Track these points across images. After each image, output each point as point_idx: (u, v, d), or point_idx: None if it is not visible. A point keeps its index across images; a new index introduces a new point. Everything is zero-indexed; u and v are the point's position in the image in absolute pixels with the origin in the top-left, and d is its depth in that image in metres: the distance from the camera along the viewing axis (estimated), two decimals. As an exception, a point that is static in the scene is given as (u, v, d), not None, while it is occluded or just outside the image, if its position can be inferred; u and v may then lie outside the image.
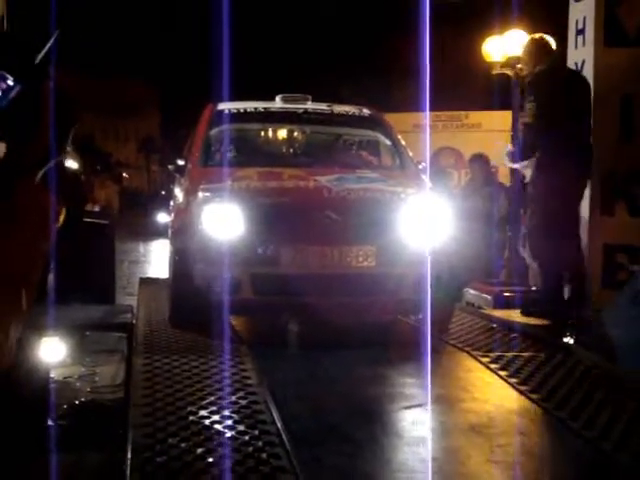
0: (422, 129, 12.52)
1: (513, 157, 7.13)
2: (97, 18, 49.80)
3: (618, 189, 7.22)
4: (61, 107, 2.68)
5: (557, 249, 6.58)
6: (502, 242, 9.65)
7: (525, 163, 6.98)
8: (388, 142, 7.34)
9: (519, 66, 10.52)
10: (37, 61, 2.57)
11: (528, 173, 6.98)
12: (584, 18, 7.46)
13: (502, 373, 5.01)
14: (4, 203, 2.45)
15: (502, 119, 12.56)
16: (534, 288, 8.21)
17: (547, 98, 6.53)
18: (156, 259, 20.10)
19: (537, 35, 7.13)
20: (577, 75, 7.13)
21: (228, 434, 3.76)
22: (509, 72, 11.80)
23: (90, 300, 7.97)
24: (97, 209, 9.94)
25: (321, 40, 36.14)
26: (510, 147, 7.48)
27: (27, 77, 2.49)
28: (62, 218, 2.69)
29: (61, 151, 2.78)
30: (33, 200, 2.55)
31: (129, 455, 3.52)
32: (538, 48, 6.90)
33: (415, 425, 4.10)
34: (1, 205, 2.45)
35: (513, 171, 10.44)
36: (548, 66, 6.77)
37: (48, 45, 2.62)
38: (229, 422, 3.91)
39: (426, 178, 6.74)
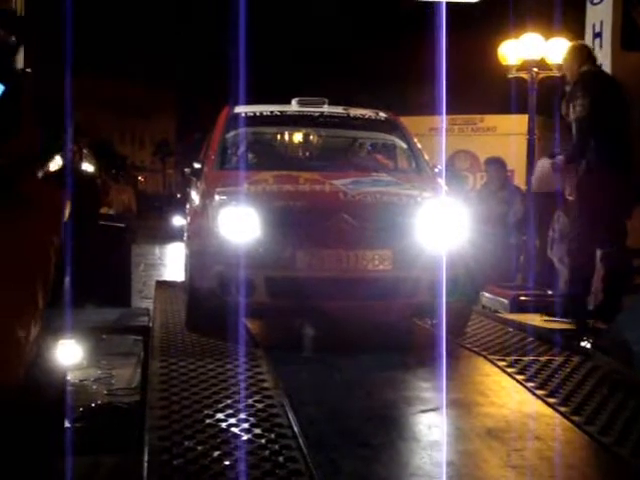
0: (438, 132, 12.52)
1: (561, 163, 7.04)
2: (115, 21, 50.00)
3: (636, 191, 7.18)
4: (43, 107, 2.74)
5: (594, 255, 6.57)
6: (518, 246, 9.62)
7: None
8: (404, 145, 7.34)
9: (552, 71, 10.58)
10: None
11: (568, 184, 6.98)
12: (601, 22, 7.46)
13: (519, 377, 4.99)
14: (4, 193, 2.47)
15: (517, 122, 12.54)
16: (550, 292, 8.20)
17: (599, 94, 6.55)
18: (172, 262, 20.14)
19: (578, 42, 7.20)
20: (614, 78, 7.14)
21: (244, 437, 3.76)
22: (525, 75, 11.76)
23: (106, 303, 8.01)
24: (112, 212, 9.98)
25: (338, 44, 36.17)
26: (560, 157, 7.37)
27: (9, 78, 2.53)
28: (67, 212, 2.72)
29: (53, 150, 2.82)
30: (36, 194, 2.57)
31: (146, 458, 3.52)
32: (581, 52, 6.94)
33: (431, 429, 4.09)
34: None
35: (528, 175, 10.46)
36: (593, 66, 6.80)
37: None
38: (245, 425, 3.91)
39: (442, 181, 6.73)
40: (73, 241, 7.27)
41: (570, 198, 7.13)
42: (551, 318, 6.68)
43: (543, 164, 7.41)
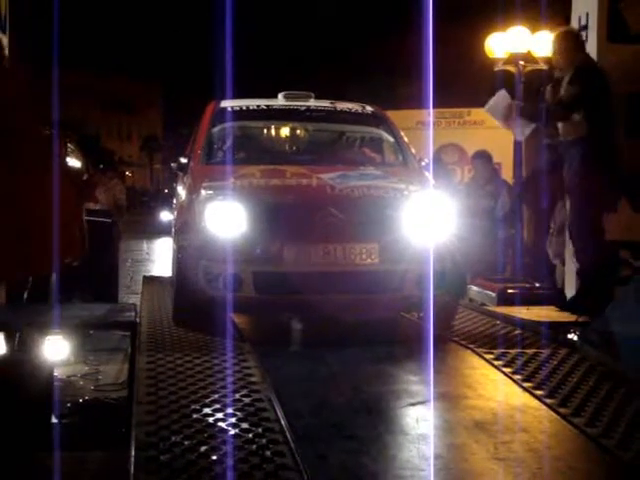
0: (425, 126, 12.52)
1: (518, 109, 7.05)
2: (100, 16, 49.81)
3: (621, 185, 7.21)
4: None
5: (601, 245, 6.59)
6: (506, 239, 9.64)
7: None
8: (391, 139, 7.34)
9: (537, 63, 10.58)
10: None
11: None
12: (587, 14, 7.44)
13: (506, 370, 5.01)
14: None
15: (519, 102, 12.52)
16: (537, 284, 8.22)
17: (594, 88, 6.58)
18: (159, 257, 20.12)
19: (567, 28, 7.21)
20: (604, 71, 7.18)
21: (232, 432, 3.76)
22: (512, 69, 11.78)
23: (93, 298, 7.99)
24: (98, 207, 9.95)
25: (324, 37, 36.15)
26: (519, 103, 7.38)
27: None
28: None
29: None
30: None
31: (133, 453, 3.51)
32: (573, 38, 6.96)
33: (419, 422, 4.09)
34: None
35: (515, 169, 10.48)
36: (587, 56, 6.85)
37: None
38: (233, 420, 3.91)
39: (429, 175, 6.74)
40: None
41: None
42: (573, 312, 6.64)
43: (504, 96, 7.34)
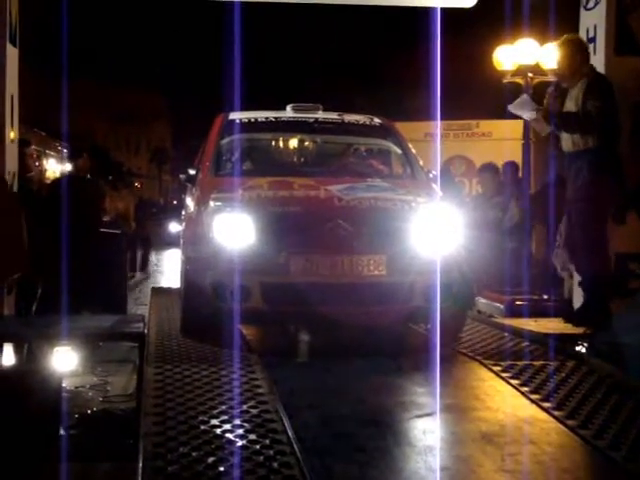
0: (433, 138, 12.54)
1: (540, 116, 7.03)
2: (109, 27, 50.03)
3: (629, 197, 7.20)
4: None
5: (605, 257, 6.58)
6: (514, 251, 9.62)
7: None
8: (399, 151, 7.35)
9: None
10: None
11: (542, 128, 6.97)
12: (595, 26, 7.45)
13: (513, 382, 5.00)
14: None
15: (513, 128, 12.54)
16: (545, 297, 8.21)
17: (612, 101, 6.59)
18: (168, 269, 20.14)
19: (573, 35, 7.16)
20: None
21: (239, 443, 3.77)
22: (520, 81, 11.81)
23: (102, 310, 8.01)
24: (107, 219, 9.98)
25: (333, 50, 36.22)
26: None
27: None
28: None
29: None
30: None
31: (140, 464, 3.52)
32: (580, 48, 6.91)
33: (426, 434, 4.09)
34: None
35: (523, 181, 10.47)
36: (596, 69, 6.84)
37: None
38: (240, 431, 3.91)
39: (437, 187, 6.74)
40: (75, 248, 7.31)
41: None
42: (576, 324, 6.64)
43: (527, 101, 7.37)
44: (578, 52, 6.85)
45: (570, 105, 6.78)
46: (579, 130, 6.63)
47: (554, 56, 7.37)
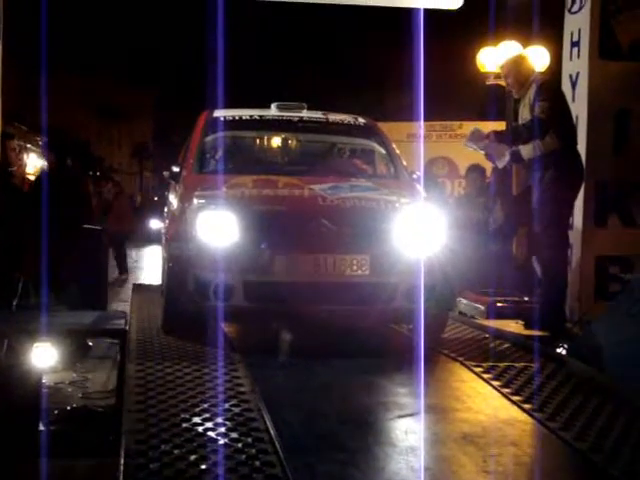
0: (416, 139, 12.57)
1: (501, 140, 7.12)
2: (93, 22, 49.78)
3: (610, 200, 7.26)
4: None
5: (565, 259, 6.64)
6: (496, 252, 9.65)
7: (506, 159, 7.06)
8: (383, 151, 7.35)
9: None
10: None
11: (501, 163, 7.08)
12: (579, 30, 7.50)
13: (495, 383, 5.01)
14: None
15: (495, 129, 12.56)
16: (526, 298, 8.24)
17: (561, 102, 6.66)
18: (149, 265, 20.07)
19: (522, 53, 7.33)
20: None
21: (221, 441, 3.75)
22: (503, 83, 11.82)
23: (82, 306, 7.97)
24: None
25: (317, 49, 36.22)
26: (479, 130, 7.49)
27: None
28: None
29: None
30: None
31: (121, 461, 3.51)
32: (526, 63, 7.04)
33: (408, 434, 4.10)
34: None
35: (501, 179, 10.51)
36: (549, 75, 6.92)
37: None
38: (222, 429, 3.90)
39: (420, 187, 6.75)
40: (57, 243, 7.27)
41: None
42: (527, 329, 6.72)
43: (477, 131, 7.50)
44: (521, 66, 7.01)
45: (525, 112, 6.85)
46: (535, 135, 6.72)
47: (502, 75, 7.54)
